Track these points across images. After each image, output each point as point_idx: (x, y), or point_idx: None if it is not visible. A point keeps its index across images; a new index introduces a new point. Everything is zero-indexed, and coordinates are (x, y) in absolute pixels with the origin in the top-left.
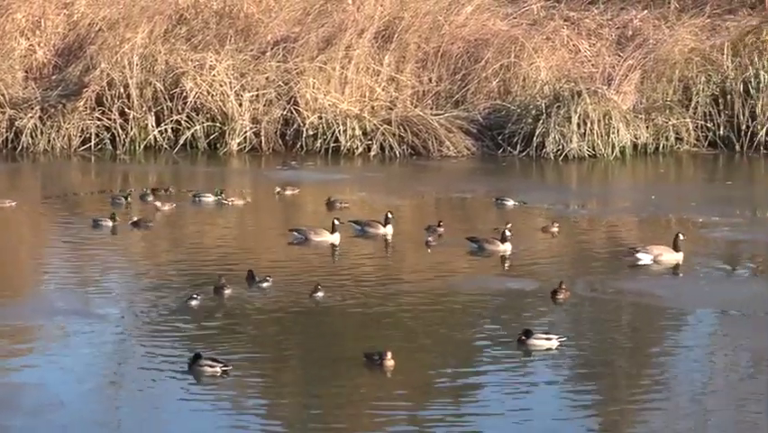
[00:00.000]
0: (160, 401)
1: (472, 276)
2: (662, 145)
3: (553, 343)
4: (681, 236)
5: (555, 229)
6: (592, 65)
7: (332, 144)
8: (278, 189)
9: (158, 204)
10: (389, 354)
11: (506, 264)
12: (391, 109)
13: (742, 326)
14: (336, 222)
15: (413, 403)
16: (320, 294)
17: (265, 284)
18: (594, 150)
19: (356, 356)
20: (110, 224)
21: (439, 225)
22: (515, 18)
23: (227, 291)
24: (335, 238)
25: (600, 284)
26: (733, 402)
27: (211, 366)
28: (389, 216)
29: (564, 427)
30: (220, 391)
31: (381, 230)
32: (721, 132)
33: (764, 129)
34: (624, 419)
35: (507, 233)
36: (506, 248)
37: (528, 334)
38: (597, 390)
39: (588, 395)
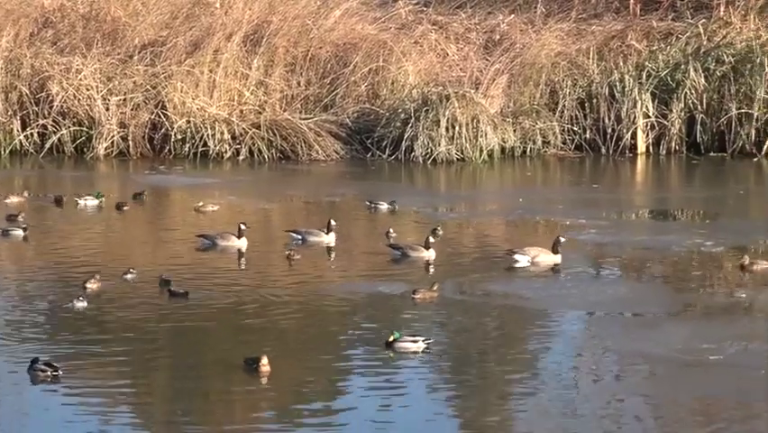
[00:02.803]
0: (28, 408)
1: (346, 280)
2: (529, 149)
3: (420, 345)
4: (562, 239)
5: (441, 232)
6: (460, 69)
7: (200, 148)
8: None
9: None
10: (265, 360)
11: (381, 268)
12: (260, 113)
13: (608, 327)
14: (243, 227)
15: (285, 409)
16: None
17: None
18: (462, 153)
19: (232, 362)
20: (20, 233)
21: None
22: (383, 22)
23: (90, 285)
24: (243, 243)
25: (470, 287)
26: (600, 402)
27: (43, 371)
28: (332, 223)
29: (433, 430)
30: (90, 395)
31: (324, 238)
32: (587, 135)
33: (630, 132)
34: (492, 421)
35: (431, 239)
36: (429, 255)
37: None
38: (465, 392)
39: (456, 398)
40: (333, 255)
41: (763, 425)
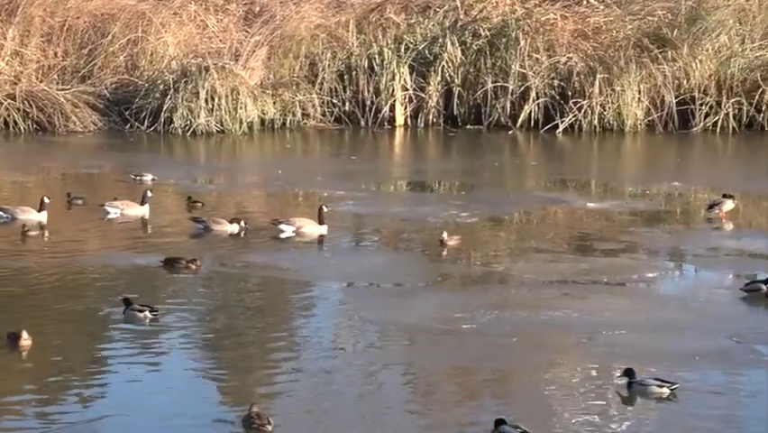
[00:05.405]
0: None
1: (102, 252)
2: (289, 121)
3: (146, 315)
4: (326, 208)
5: (200, 204)
6: (220, 40)
7: None
8: None
9: None
10: (26, 334)
11: (135, 240)
12: (15, 84)
13: (366, 297)
14: (46, 200)
15: (46, 383)
16: None
17: None
18: (222, 125)
19: None
20: None
21: (75, 200)
22: None
23: None
24: (43, 217)
25: (230, 258)
26: (358, 372)
27: None
28: (148, 194)
29: (195, 401)
30: None
31: (139, 210)
32: (347, 108)
33: (388, 105)
34: (250, 391)
35: (244, 223)
36: (232, 228)
37: (127, 303)
38: (225, 362)
39: (216, 368)
40: (148, 227)
41: (514, 390)
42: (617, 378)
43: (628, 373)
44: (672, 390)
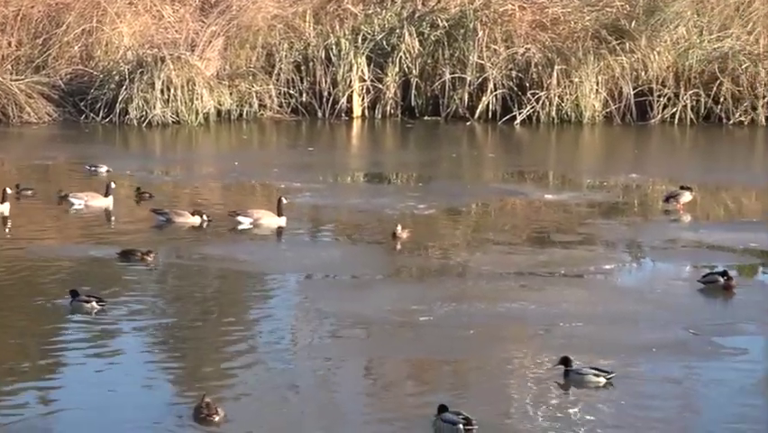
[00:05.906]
0: None
1: (60, 244)
2: (245, 112)
3: (93, 305)
4: (285, 200)
5: (147, 194)
6: (176, 31)
7: None
8: None
9: None
10: None
11: (94, 232)
12: None
13: (324, 289)
14: (9, 191)
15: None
16: None
17: None
18: (178, 116)
19: None
20: None
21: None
22: None
23: None
24: (5, 208)
25: (186, 250)
26: (316, 364)
27: None
28: (112, 186)
29: (149, 394)
30: None
31: (103, 201)
32: (304, 99)
33: (345, 96)
34: (206, 383)
35: (206, 216)
36: (194, 220)
37: (74, 294)
38: (182, 355)
39: (173, 361)
40: (111, 219)
41: (471, 382)
42: (554, 366)
43: (565, 361)
44: (608, 379)
